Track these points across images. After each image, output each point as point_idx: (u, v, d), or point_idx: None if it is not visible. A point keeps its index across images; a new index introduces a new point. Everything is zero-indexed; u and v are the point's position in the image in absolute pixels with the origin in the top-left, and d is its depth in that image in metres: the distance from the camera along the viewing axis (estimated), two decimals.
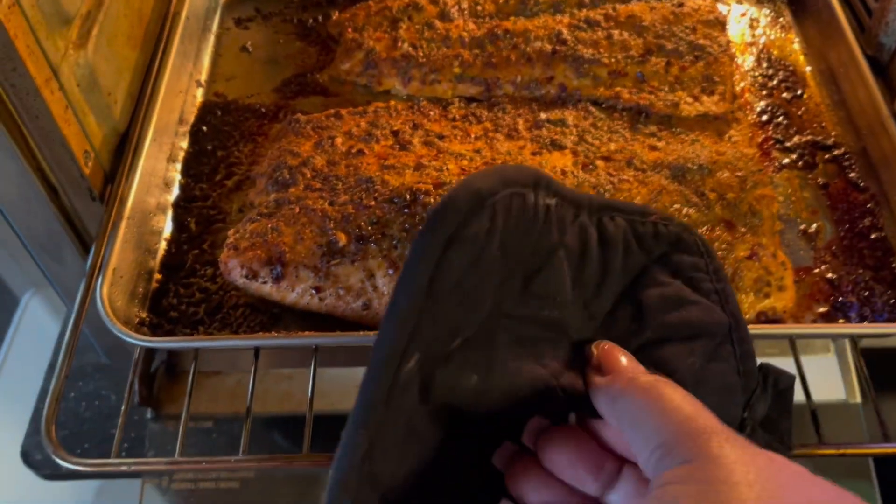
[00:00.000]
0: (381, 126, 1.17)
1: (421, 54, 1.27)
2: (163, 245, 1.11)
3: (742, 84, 1.27)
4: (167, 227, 1.13)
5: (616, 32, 1.24)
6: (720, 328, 0.72)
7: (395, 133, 1.16)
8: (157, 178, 1.15)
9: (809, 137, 1.21)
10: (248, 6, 1.44)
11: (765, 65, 1.31)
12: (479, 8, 1.32)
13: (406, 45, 1.28)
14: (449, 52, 1.27)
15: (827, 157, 1.18)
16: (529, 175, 0.71)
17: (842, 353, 1.25)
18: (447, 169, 1.07)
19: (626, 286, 0.73)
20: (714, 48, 1.22)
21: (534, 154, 1.11)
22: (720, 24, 1.25)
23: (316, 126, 1.19)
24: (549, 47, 1.24)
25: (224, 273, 1.03)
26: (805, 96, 1.26)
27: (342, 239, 1.00)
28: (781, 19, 1.39)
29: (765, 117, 1.23)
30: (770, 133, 1.21)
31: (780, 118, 1.23)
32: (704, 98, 1.17)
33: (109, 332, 0.96)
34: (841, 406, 1.23)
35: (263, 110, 1.27)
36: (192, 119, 1.26)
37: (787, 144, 1.20)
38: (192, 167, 1.20)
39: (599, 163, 1.08)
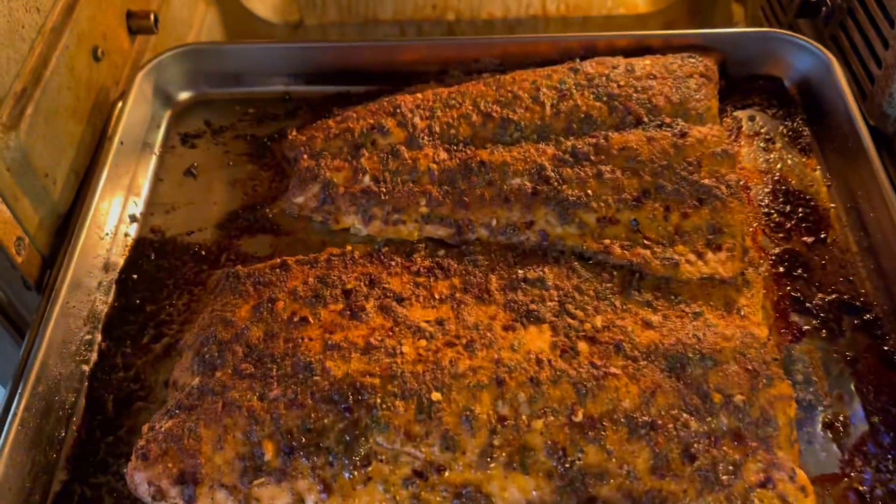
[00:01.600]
0: (332, 283, 1.01)
1: (384, 189, 1.10)
2: (72, 432, 0.95)
3: (755, 225, 1.10)
4: (79, 406, 0.97)
5: (607, 169, 1.07)
6: None
7: (346, 293, 0.99)
8: (71, 344, 0.99)
9: (835, 296, 1.03)
10: (197, 118, 1.29)
11: (781, 199, 1.14)
12: (452, 132, 1.16)
13: (367, 178, 1.12)
14: (415, 188, 1.10)
15: (856, 321, 1.00)
16: None
17: None
18: (401, 353, 0.90)
19: None
20: (722, 190, 1.04)
21: (506, 329, 0.94)
22: (729, 158, 1.08)
23: (257, 282, 1.02)
24: (529, 185, 1.07)
25: (130, 487, 0.86)
26: (829, 241, 1.09)
27: (268, 450, 0.83)
28: (801, 140, 1.21)
29: (782, 268, 1.05)
30: (788, 289, 1.03)
31: (800, 270, 1.05)
32: (709, 255, 1.00)
33: None
34: None
35: (203, 253, 1.11)
36: (120, 263, 1.10)
37: (808, 305, 1.02)
38: (116, 326, 1.04)
39: (582, 346, 0.91)
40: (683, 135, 1.10)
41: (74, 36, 1.13)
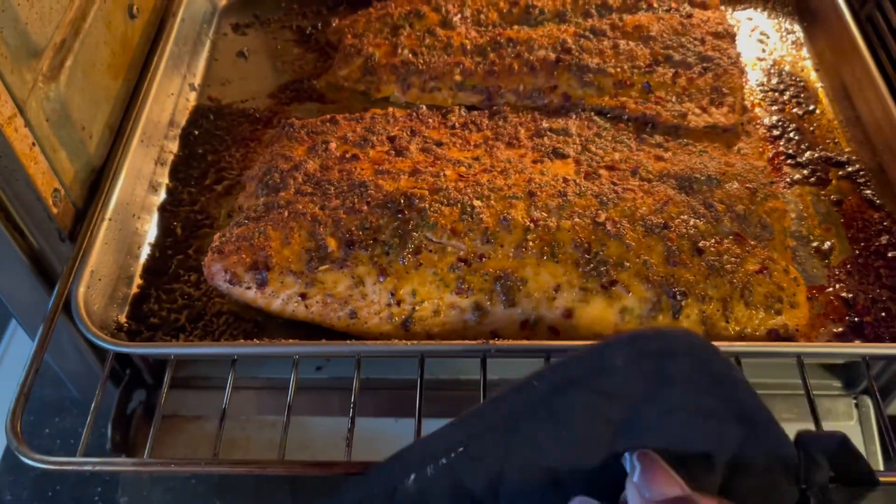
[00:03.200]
0: (378, 132, 1.13)
1: (421, 61, 1.23)
2: (146, 249, 1.07)
3: (752, 99, 1.23)
4: (152, 231, 1.09)
5: (622, 42, 1.20)
6: (732, 441, 0.66)
7: (391, 139, 1.12)
8: (144, 179, 1.11)
9: (822, 153, 1.16)
10: (246, 12, 1.41)
11: (775, 80, 1.27)
12: (481, 16, 1.29)
13: (406, 51, 1.25)
14: (450, 60, 1.23)
15: (841, 173, 1.14)
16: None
17: (865, 419, 1.15)
18: (444, 174, 1.02)
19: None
20: (723, 60, 1.18)
21: (535, 162, 1.06)
22: (729, 35, 1.22)
23: (310, 131, 1.15)
24: (552, 56, 1.20)
25: (207, 277, 0.98)
26: (817, 112, 1.22)
27: (331, 244, 0.95)
28: (792, 35, 1.35)
29: (776, 132, 1.19)
30: (781, 148, 1.16)
31: (792, 133, 1.19)
32: (713, 109, 1.13)
33: (78, 359, 0.90)
34: None
35: (257, 115, 1.24)
36: (183, 122, 1.22)
37: (799, 160, 1.15)
38: (181, 171, 1.16)
39: (603, 172, 1.03)
40: (689, 16, 1.24)
41: None
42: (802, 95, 1.25)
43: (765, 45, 1.33)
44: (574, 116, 1.15)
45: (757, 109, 1.22)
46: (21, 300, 1.03)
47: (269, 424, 1.13)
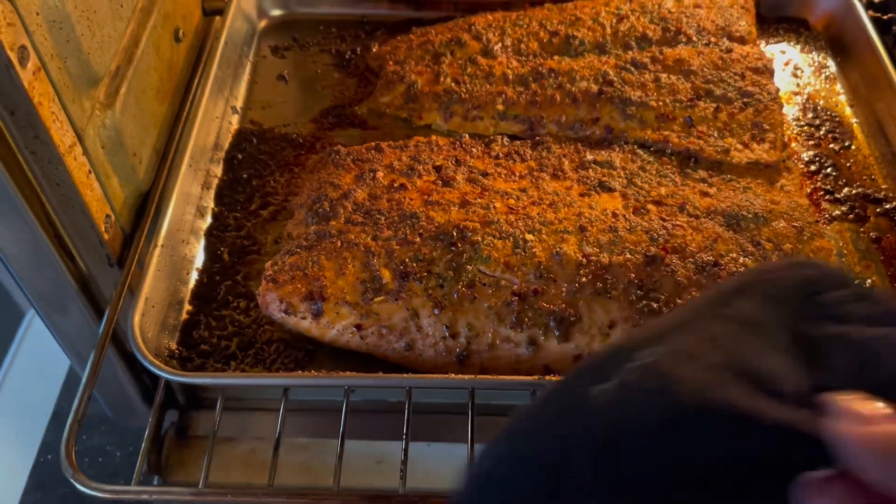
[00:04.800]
0: (423, 161, 1.14)
1: (464, 90, 1.24)
2: (194, 275, 1.08)
3: (788, 133, 1.25)
4: (199, 257, 1.10)
5: (664, 76, 1.22)
6: None
7: (437, 168, 1.13)
8: (191, 204, 1.12)
9: (860, 190, 1.18)
10: (285, 35, 1.42)
11: (810, 115, 1.29)
12: (522, 46, 1.30)
13: (448, 79, 1.26)
14: (492, 89, 1.24)
15: (878, 210, 1.15)
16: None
17: None
18: (494, 207, 1.04)
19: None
20: (763, 95, 1.20)
21: (582, 195, 1.08)
22: (769, 71, 1.23)
23: (356, 158, 1.16)
24: (595, 88, 1.21)
25: (262, 306, 0.99)
26: (853, 148, 1.24)
27: (386, 275, 0.96)
28: (826, 70, 1.37)
29: (813, 167, 1.20)
30: (819, 184, 1.18)
31: (829, 169, 1.20)
32: (755, 145, 1.15)
33: (115, 382, 0.90)
34: None
35: (300, 140, 1.24)
36: (226, 145, 1.23)
37: (838, 196, 1.17)
38: (226, 195, 1.17)
39: (651, 207, 1.05)
40: (729, 51, 1.25)
41: (161, 16, 1.18)
42: (838, 131, 1.27)
43: (799, 80, 1.35)
44: (617, 149, 1.16)
45: (794, 144, 1.24)
46: (67, 326, 1.04)
47: (299, 447, 1.13)
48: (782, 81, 1.34)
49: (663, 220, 1.02)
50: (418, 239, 0.99)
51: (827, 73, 1.36)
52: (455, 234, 0.98)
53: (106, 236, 1.00)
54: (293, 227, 1.09)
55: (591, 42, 1.30)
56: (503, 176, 1.12)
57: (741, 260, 0.97)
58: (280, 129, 1.27)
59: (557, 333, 0.93)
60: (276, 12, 1.43)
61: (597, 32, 1.31)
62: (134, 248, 1.04)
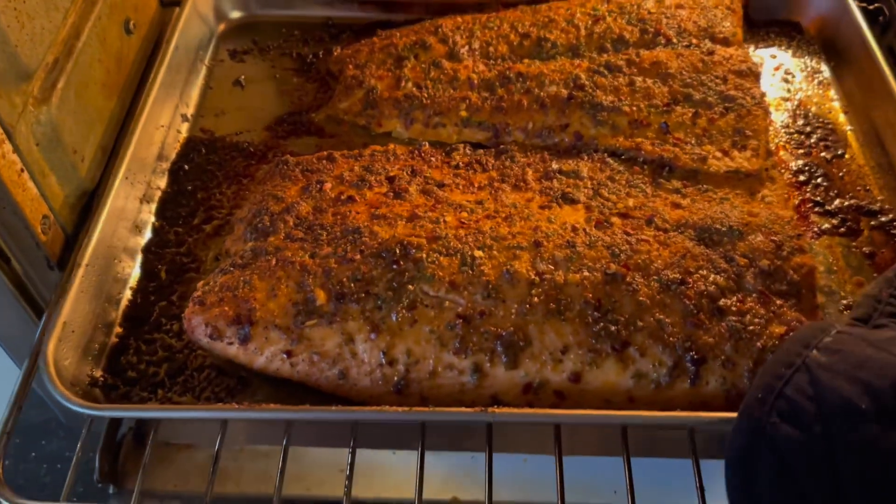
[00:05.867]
0: (377, 171, 1.06)
1: (425, 95, 1.17)
2: (127, 294, 1.00)
3: (776, 141, 1.15)
4: (134, 274, 1.02)
5: (639, 79, 1.13)
6: None
7: (390, 179, 1.05)
8: (127, 220, 1.05)
9: (853, 201, 1.08)
10: (244, 38, 1.35)
11: (801, 121, 1.19)
12: (490, 49, 1.22)
13: (410, 84, 1.18)
14: (456, 94, 1.16)
15: (873, 223, 1.06)
16: None
17: None
18: (444, 221, 0.95)
19: None
20: (747, 100, 1.11)
21: (542, 208, 0.99)
22: (753, 74, 1.14)
23: (305, 169, 1.08)
24: (564, 92, 1.13)
25: (188, 331, 0.91)
26: (847, 157, 1.14)
27: (320, 297, 0.88)
28: (819, 75, 1.27)
29: (802, 177, 1.11)
30: (808, 195, 1.09)
31: (820, 179, 1.11)
32: (735, 153, 1.05)
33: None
34: None
35: (252, 150, 1.17)
36: (173, 156, 1.16)
37: (828, 208, 1.07)
38: (169, 209, 1.10)
39: (615, 220, 0.96)
40: (711, 53, 1.16)
41: (107, 6, 1.12)
42: (830, 139, 1.17)
43: (790, 85, 1.26)
44: (586, 157, 1.08)
45: (782, 153, 1.14)
46: (7, 329, 0.99)
47: (262, 455, 1.06)
48: (772, 87, 1.25)
49: (627, 234, 0.93)
50: (358, 256, 0.91)
51: (820, 79, 1.27)
52: (398, 250, 0.90)
53: (43, 237, 0.95)
54: (231, 243, 1.02)
55: (564, 44, 1.21)
56: (461, 187, 1.04)
57: (711, 278, 0.88)
58: (232, 138, 1.19)
59: (505, 359, 0.84)
60: (236, 14, 1.37)
61: (570, 34, 1.22)
62: (77, 249, 0.97)
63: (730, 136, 1.07)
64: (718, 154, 1.05)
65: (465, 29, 1.25)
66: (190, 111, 1.23)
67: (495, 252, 0.90)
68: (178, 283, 1.01)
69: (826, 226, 1.05)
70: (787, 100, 1.23)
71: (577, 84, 1.13)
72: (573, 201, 1.00)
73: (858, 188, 1.10)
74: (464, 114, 1.15)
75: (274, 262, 0.93)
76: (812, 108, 1.22)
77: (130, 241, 1.04)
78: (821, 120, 1.20)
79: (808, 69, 1.29)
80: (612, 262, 0.89)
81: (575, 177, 1.04)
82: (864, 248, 1.03)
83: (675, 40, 1.20)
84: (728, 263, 0.90)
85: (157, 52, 1.21)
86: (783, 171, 1.11)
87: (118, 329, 0.97)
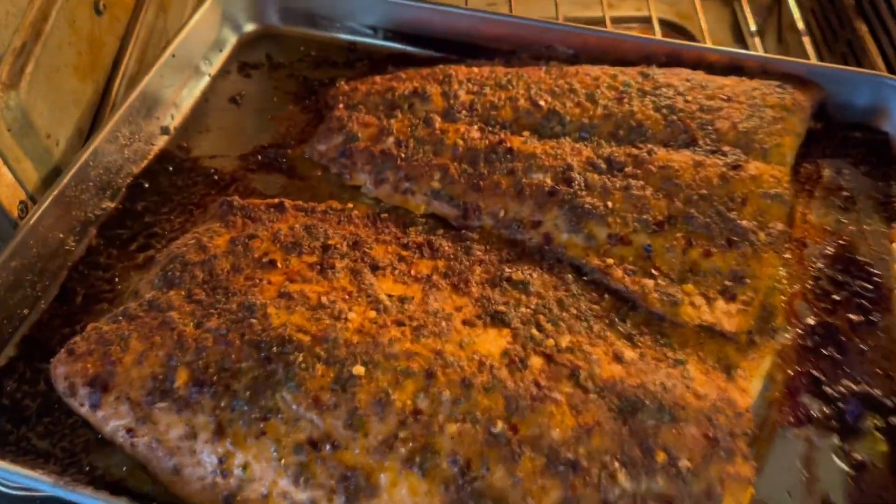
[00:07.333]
0: (316, 235, 0.96)
1: (402, 155, 1.05)
2: (35, 315, 0.97)
3: (796, 287, 0.95)
4: (50, 293, 0.99)
5: (637, 184, 0.96)
6: None
7: (325, 248, 0.95)
8: (62, 231, 1.01)
9: (864, 388, 0.87)
10: (259, 51, 1.28)
11: (840, 265, 0.98)
12: (493, 112, 1.08)
13: (391, 139, 1.07)
14: (434, 161, 1.04)
15: (878, 423, 0.85)
16: None
17: None
18: (345, 318, 0.84)
19: None
20: (759, 237, 0.91)
21: (465, 323, 0.86)
22: (782, 204, 0.94)
23: (248, 215, 1.00)
24: (548, 183, 0.98)
25: (52, 378, 0.86)
26: (881, 326, 0.92)
27: (181, 377, 0.81)
28: (889, 207, 1.04)
29: (811, 342, 0.91)
30: (809, 366, 0.89)
31: (832, 349, 0.90)
32: (719, 303, 0.87)
33: None
34: None
35: (216, 178, 1.11)
36: (138, 170, 1.11)
37: (828, 390, 0.87)
38: (111, 228, 1.05)
39: (535, 361, 0.81)
40: (736, 167, 0.97)
41: None
42: (869, 297, 0.95)
43: (846, 214, 1.04)
44: (545, 267, 0.93)
45: (798, 302, 0.94)
46: None
47: None
48: (822, 210, 1.03)
49: (538, 385, 0.78)
50: (238, 341, 0.82)
51: (888, 213, 1.04)
52: (275, 347, 0.81)
53: (21, 223, 0.95)
54: (143, 284, 0.96)
55: (574, 122, 1.06)
56: (396, 274, 0.93)
57: (612, 467, 0.73)
58: (204, 161, 1.13)
59: (344, 503, 0.73)
60: (253, 26, 1.29)
61: (585, 111, 1.06)
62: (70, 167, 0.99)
63: (721, 279, 0.89)
64: (698, 300, 0.87)
65: (475, 82, 1.12)
66: (175, 123, 1.18)
67: (379, 373, 0.79)
68: (88, 312, 0.97)
69: (816, 413, 0.85)
70: (833, 233, 1.02)
71: (564, 176, 0.98)
72: (502, 323, 0.86)
73: (878, 370, 0.89)
74: (436, 184, 1.03)
75: (157, 323, 0.86)
76: (862, 249, 1.00)
77: (62, 255, 1.01)
78: (867, 269, 0.98)
79: (877, 197, 1.06)
80: (501, 419, 0.75)
81: (521, 291, 0.90)
82: (853, 454, 0.82)
83: (700, 142, 1.01)
84: (642, 453, 0.74)
85: (131, 31, 1.21)
86: (790, 328, 0.91)
87: (13, 349, 0.94)
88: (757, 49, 1.46)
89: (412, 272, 0.93)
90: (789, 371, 0.88)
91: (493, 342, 0.84)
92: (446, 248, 0.97)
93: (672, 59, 1.16)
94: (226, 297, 0.89)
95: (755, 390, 0.83)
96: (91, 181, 1.04)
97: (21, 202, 0.97)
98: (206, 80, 1.24)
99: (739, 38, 1.53)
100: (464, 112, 1.09)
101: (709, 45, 1.26)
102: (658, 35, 1.41)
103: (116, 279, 1.00)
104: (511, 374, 0.80)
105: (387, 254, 0.96)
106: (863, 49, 1.29)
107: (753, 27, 1.50)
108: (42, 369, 0.92)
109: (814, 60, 1.32)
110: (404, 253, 0.96)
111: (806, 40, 1.38)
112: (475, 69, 1.15)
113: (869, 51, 1.28)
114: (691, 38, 1.57)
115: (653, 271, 0.90)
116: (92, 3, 1.14)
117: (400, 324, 0.85)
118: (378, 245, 0.97)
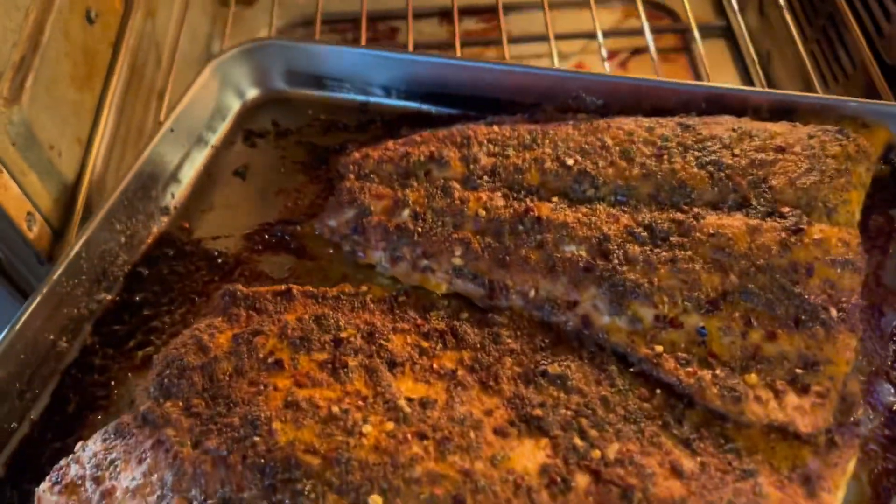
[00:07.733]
0: (327, 328, 0.87)
1: (419, 229, 0.95)
2: (24, 427, 0.89)
3: (876, 364, 0.83)
4: (41, 401, 0.91)
5: (684, 256, 0.85)
6: None
7: (337, 343, 0.85)
8: (53, 332, 0.93)
9: None
10: (265, 117, 1.20)
11: None
12: (518, 176, 0.98)
13: (406, 212, 0.97)
14: (455, 234, 0.94)
15: None
16: None
17: None
18: (360, 433, 0.74)
19: None
20: (832, 313, 0.79)
21: (496, 432, 0.75)
22: (855, 273, 0.82)
23: (252, 306, 0.91)
24: (583, 257, 0.87)
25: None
26: None
27: None
28: None
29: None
30: (890, 465, 0.76)
31: None
32: (790, 397, 0.75)
33: None
34: None
35: (220, 261, 1.02)
36: (136, 257, 1.03)
37: None
38: (108, 324, 0.97)
39: (580, 479, 0.70)
40: (798, 230, 0.85)
41: None
42: None
43: None
44: (585, 356, 0.82)
45: (879, 383, 0.82)
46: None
47: None
48: None
49: None
50: (240, 466, 0.73)
51: None
52: (282, 471, 0.71)
53: (30, 235, 0.98)
54: (140, 391, 0.87)
55: (609, 184, 0.95)
56: (416, 370, 0.83)
57: None
58: (207, 243, 1.05)
59: None
60: (256, 91, 1.21)
61: (619, 171, 0.95)
62: (66, 242, 1.02)
63: (790, 366, 0.77)
64: (765, 393, 0.76)
65: (496, 143, 1.02)
66: (175, 202, 1.09)
67: (400, 502, 0.68)
68: (82, 423, 0.89)
69: None
70: None
71: (601, 249, 0.87)
72: (539, 430, 0.75)
73: None
74: (457, 261, 0.92)
75: (153, 442, 0.77)
76: None
77: (53, 357, 0.93)
78: None
79: None
80: None
81: (559, 387, 0.79)
82: None
83: (753, 202, 0.89)
84: None
85: (122, 37, 1.22)
86: (873, 417, 0.79)
87: (0, 470, 0.86)
88: (741, 25, 1.50)
89: (434, 366, 0.83)
90: (874, 469, 0.76)
91: (529, 456, 0.73)
92: (472, 335, 0.86)
93: (713, 105, 1.05)
94: (227, 407, 0.79)
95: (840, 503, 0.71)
96: (84, 274, 0.96)
97: (29, 213, 0.99)
98: (208, 151, 1.15)
99: (721, 12, 1.59)
100: (485, 177, 0.99)
101: (756, 88, 1.15)
102: (642, 16, 1.42)
103: (112, 383, 0.92)
104: (552, 498, 0.68)
105: (405, 345, 0.86)
106: (844, 24, 1.29)
107: (735, 3, 1.55)
108: (30, 493, 0.83)
109: (881, 99, 1.18)
110: (425, 344, 0.86)
111: (787, 16, 1.40)
112: (496, 128, 1.05)
113: (850, 25, 1.27)
114: (675, 16, 1.61)
115: (709, 359, 0.79)
116: (84, 13, 1.15)
117: (422, 436, 0.74)
118: (396, 335, 0.87)
